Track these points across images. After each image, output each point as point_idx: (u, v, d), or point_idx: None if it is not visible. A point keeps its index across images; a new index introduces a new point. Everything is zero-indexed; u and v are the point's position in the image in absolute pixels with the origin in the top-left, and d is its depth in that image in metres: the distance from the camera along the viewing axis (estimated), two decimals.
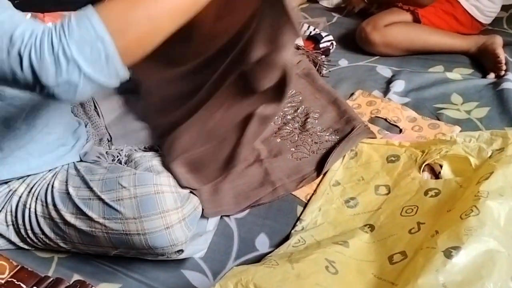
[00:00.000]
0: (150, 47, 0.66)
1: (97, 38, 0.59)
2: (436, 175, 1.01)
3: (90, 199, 0.88)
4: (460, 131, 1.18)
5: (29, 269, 0.64)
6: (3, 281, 0.62)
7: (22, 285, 0.62)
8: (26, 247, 0.97)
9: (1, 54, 0.59)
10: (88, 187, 0.89)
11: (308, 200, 1.05)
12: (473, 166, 0.93)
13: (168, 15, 0.65)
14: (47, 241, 0.93)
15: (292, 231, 0.96)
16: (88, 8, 0.61)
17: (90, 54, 0.59)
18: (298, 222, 0.98)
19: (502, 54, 1.38)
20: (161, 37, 0.66)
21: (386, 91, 1.39)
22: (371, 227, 0.91)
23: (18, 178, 0.94)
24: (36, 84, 0.60)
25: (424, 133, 1.20)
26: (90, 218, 0.87)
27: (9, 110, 0.85)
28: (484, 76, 1.40)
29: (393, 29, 1.52)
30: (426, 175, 1.01)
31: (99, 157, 1.03)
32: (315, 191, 1.06)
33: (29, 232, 0.93)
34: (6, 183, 0.93)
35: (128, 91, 1.24)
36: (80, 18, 0.59)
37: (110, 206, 0.85)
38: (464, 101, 1.30)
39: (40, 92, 0.62)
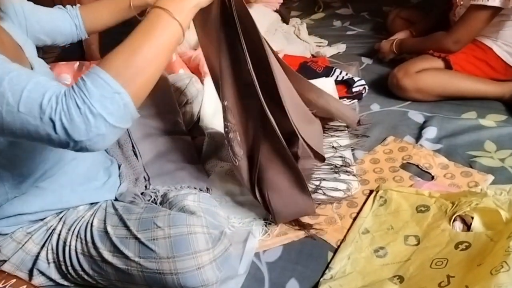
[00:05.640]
0: (154, 83, 0.75)
1: (114, 92, 0.68)
2: (468, 226, 1.00)
3: (127, 237, 0.92)
4: (494, 179, 1.17)
5: None
6: None
7: None
8: (66, 283, 1.02)
9: (35, 121, 0.67)
10: (125, 226, 0.93)
11: (338, 246, 1.06)
12: (503, 220, 0.92)
13: (163, 53, 0.75)
14: (86, 277, 0.98)
15: (321, 279, 0.97)
16: (95, 68, 0.70)
17: (111, 106, 0.68)
18: (327, 270, 0.99)
19: None
20: (161, 71, 0.76)
21: (418, 137, 1.40)
22: (401, 279, 0.91)
23: (53, 214, 0.99)
24: (69, 142, 0.68)
25: (456, 181, 1.19)
26: (126, 257, 0.91)
27: (38, 146, 0.92)
28: None
29: (425, 75, 1.53)
30: (458, 225, 1.00)
31: (134, 198, 1.08)
32: (344, 237, 1.07)
33: (70, 268, 0.98)
34: (42, 220, 0.99)
35: (165, 132, 1.30)
36: (94, 78, 0.68)
37: (146, 246, 0.89)
38: (497, 148, 1.30)
39: (73, 147, 0.70)
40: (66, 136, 0.67)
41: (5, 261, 0.98)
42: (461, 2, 1.56)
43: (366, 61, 1.91)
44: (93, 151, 0.71)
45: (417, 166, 1.27)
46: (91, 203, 1.03)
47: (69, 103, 0.66)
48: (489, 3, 1.39)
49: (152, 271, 0.89)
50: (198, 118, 1.50)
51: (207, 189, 1.20)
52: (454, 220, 1.00)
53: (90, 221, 0.97)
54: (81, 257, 0.96)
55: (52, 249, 0.98)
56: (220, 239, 0.96)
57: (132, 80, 0.70)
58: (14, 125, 0.68)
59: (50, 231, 0.98)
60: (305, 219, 1.14)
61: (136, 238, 0.91)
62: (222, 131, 1.41)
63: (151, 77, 0.73)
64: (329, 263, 1.02)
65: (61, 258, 0.98)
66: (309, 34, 2.15)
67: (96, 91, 0.67)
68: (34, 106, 0.67)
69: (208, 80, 1.59)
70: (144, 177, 1.19)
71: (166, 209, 0.99)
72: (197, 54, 1.70)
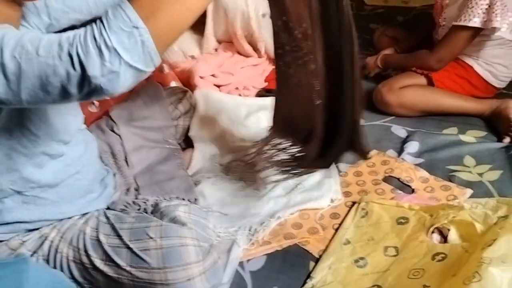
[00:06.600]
0: (181, 29, 0.69)
1: (132, 26, 0.64)
2: (445, 237, 1.04)
3: (119, 247, 0.93)
4: (472, 193, 1.21)
5: None
6: None
7: None
8: None
9: (53, 61, 0.65)
10: (117, 235, 0.95)
11: (320, 256, 1.08)
12: (478, 232, 0.96)
13: None
14: (76, 285, 0.98)
15: None
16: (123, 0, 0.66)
17: (128, 42, 0.64)
18: (308, 279, 1.02)
19: None
20: (191, 18, 0.69)
21: (400, 151, 1.43)
22: None
23: (49, 224, 1.00)
24: (85, 81, 0.65)
25: (436, 194, 1.23)
26: (118, 265, 0.92)
27: (43, 158, 0.93)
28: (499, 140, 1.43)
29: (408, 91, 1.58)
30: (436, 237, 1.04)
31: (126, 206, 1.10)
32: (326, 248, 1.10)
33: None
34: (37, 229, 0.99)
35: (158, 144, 1.32)
36: (116, 10, 0.65)
37: (137, 255, 0.91)
38: (476, 163, 1.33)
39: (89, 88, 0.66)
40: (81, 71, 0.64)
41: None
42: (443, 23, 1.62)
43: None
44: (109, 95, 0.68)
45: (399, 179, 1.30)
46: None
47: (87, 35, 0.64)
48: (470, 24, 1.44)
49: (143, 280, 0.91)
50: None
51: (195, 199, 1.23)
52: (432, 232, 1.03)
53: (83, 229, 0.98)
54: (72, 264, 0.97)
55: (43, 255, 0.98)
56: (210, 252, 0.98)
57: (154, 16, 0.65)
58: (32, 74, 0.66)
59: (42, 238, 0.99)
60: (289, 229, 1.17)
61: (128, 247, 0.92)
62: (211, 143, 1.45)
63: (177, 18, 0.67)
64: (310, 272, 1.04)
65: (51, 265, 0.98)
66: None
67: (115, 23, 0.64)
68: (53, 46, 0.65)
69: (199, 92, 1.62)
70: (134, 188, 1.21)
71: (158, 219, 1.00)
72: (190, 67, 1.73)
